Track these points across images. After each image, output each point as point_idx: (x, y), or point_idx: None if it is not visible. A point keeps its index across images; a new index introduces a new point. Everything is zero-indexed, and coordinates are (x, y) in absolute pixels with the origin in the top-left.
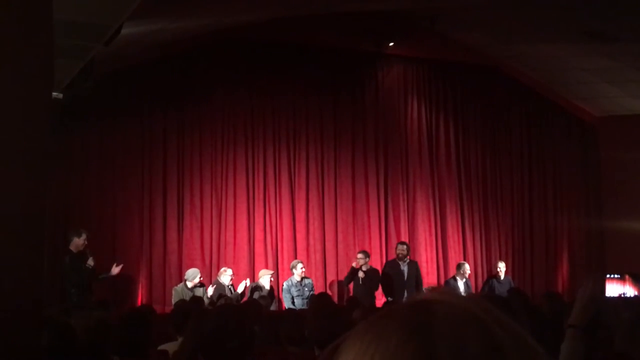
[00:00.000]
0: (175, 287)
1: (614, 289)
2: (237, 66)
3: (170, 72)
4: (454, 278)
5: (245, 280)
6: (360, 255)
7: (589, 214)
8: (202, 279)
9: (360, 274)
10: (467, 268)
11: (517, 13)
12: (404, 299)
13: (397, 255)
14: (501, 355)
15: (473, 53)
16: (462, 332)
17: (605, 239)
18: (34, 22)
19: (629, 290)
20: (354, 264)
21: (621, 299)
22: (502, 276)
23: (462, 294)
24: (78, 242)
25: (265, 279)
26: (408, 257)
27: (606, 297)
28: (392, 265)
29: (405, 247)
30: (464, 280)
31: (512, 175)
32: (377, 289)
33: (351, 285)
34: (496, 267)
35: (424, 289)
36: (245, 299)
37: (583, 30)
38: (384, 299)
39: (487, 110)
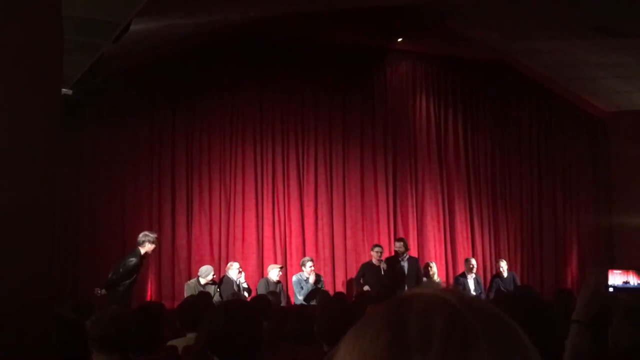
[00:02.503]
0: (188, 282)
1: (618, 278)
2: (246, 63)
3: (179, 69)
4: (463, 275)
5: (239, 277)
6: (378, 249)
7: (599, 210)
8: (214, 276)
9: (383, 266)
10: (474, 262)
11: (527, 9)
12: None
13: (396, 252)
14: (469, 335)
15: (482, 49)
16: (431, 318)
17: (615, 235)
18: (44, 19)
19: (632, 280)
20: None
21: (624, 289)
22: (505, 274)
23: (472, 291)
24: (150, 247)
25: (273, 273)
26: (407, 252)
27: (610, 291)
28: (393, 261)
29: (402, 243)
30: (474, 276)
31: (522, 171)
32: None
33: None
34: (498, 265)
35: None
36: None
37: (593, 25)
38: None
39: (496, 106)
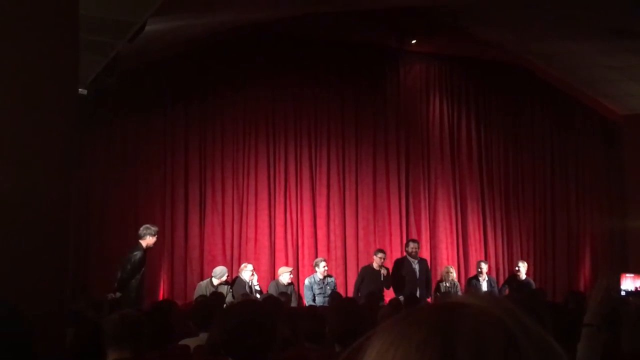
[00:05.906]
0: (200, 283)
1: (631, 283)
2: (259, 62)
3: (193, 67)
4: (476, 277)
5: (252, 278)
6: (382, 255)
7: (612, 212)
8: (228, 277)
9: (383, 272)
10: (483, 266)
11: (541, 9)
12: (418, 297)
13: (410, 253)
14: (519, 359)
15: (496, 50)
16: (484, 337)
17: (628, 239)
18: (60, 19)
19: None
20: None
21: (637, 293)
22: (523, 277)
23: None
24: (151, 240)
25: (284, 277)
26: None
27: (622, 294)
28: (403, 263)
29: (417, 244)
30: (486, 278)
31: (535, 173)
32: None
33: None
34: (516, 265)
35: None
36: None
37: (607, 26)
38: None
39: (509, 108)
